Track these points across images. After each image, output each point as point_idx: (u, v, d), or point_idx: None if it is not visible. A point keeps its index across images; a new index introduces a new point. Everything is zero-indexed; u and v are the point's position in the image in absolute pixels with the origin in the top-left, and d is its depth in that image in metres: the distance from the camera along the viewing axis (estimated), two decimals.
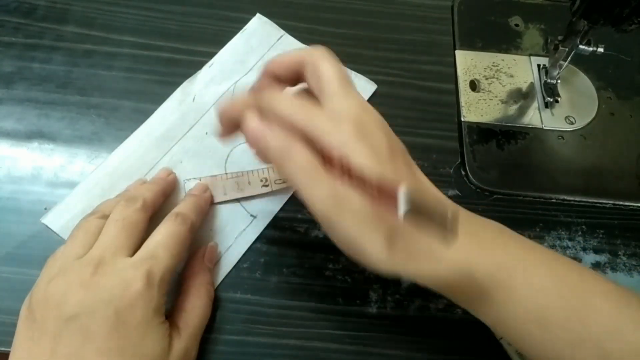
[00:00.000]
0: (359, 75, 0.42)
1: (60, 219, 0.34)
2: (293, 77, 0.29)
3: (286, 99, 0.26)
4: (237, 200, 0.36)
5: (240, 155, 0.38)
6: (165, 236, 0.30)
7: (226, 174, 0.37)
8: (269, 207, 0.37)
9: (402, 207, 0.22)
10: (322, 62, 0.27)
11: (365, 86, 0.42)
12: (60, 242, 0.32)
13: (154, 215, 0.32)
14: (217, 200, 0.36)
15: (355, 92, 0.27)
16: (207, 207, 0.35)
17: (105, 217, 0.30)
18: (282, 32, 0.44)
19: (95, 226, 0.30)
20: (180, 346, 0.28)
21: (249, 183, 0.36)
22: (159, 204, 0.34)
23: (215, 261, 0.34)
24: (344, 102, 0.26)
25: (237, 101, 0.28)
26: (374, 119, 0.26)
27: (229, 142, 0.34)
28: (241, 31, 0.44)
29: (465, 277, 0.26)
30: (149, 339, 0.27)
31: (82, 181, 0.36)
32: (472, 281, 0.26)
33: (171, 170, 0.36)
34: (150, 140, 0.38)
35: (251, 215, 0.36)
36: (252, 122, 0.26)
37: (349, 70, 0.42)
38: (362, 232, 0.24)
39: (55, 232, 0.34)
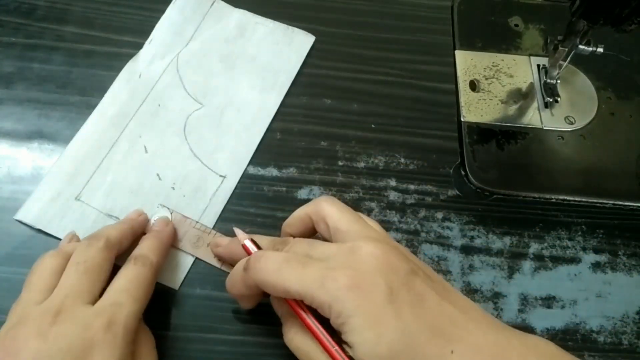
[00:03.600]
0: (295, 30, 0.44)
1: (32, 211, 0.35)
2: (307, 232, 0.31)
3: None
4: (205, 166, 0.37)
5: (196, 122, 0.39)
6: (127, 281, 0.29)
7: (197, 222, 0.36)
8: (237, 165, 0.38)
9: None
10: (326, 213, 0.29)
11: (304, 39, 0.44)
12: (49, 242, 0.32)
13: (123, 255, 0.31)
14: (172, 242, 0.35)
15: (365, 232, 0.28)
16: (169, 243, 0.34)
17: (67, 256, 0.29)
18: None
19: (55, 268, 0.29)
20: None
21: (207, 245, 0.35)
22: (127, 243, 0.32)
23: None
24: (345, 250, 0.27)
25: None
26: (373, 263, 0.26)
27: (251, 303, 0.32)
28: (172, 3, 0.44)
29: None
30: None
31: (46, 174, 0.36)
32: None
33: (142, 211, 0.35)
34: (104, 121, 0.39)
35: (220, 175, 0.37)
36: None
37: (284, 26, 0.44)
38: None
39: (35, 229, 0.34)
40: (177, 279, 0.34)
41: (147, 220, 0.35)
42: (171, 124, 0.39)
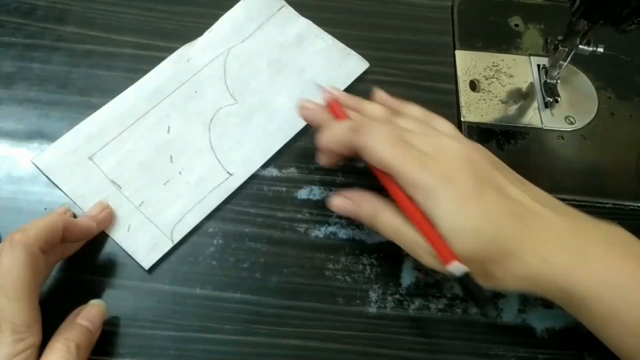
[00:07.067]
0: (352, 53, 0.43)
1: (46, 160, 0.37)
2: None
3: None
4: (217, 160, 0.38)
5: (224, 116, 0.40)
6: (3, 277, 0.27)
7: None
8: (246, 167, 0.38)
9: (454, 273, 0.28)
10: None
11: (357, 64, 0.43)
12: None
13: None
14: None
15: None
16: (80, 232, 0.32)
17: None
18: (283, 2, 0.45)
19: None
20: None
21: None
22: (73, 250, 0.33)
23: (97, 321, 0.30)
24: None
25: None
26: (459, 161, 0.30)
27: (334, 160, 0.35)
28: (241, 1, 0.44)
29: (563, 292, 0.28)
30: None
31: (72, 129, 0.38)
32: (571, 295, 0.28)
33: (107, 204, 0.35)
34: (140, 94, 0.40)
35: (228, 172, 0.37)
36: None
37: (342, 46, 0.43)
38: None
39: None
40: (150, 258, 0.34)
41: (110, 216, 0.35)
42: (200, 112, 0.40)
